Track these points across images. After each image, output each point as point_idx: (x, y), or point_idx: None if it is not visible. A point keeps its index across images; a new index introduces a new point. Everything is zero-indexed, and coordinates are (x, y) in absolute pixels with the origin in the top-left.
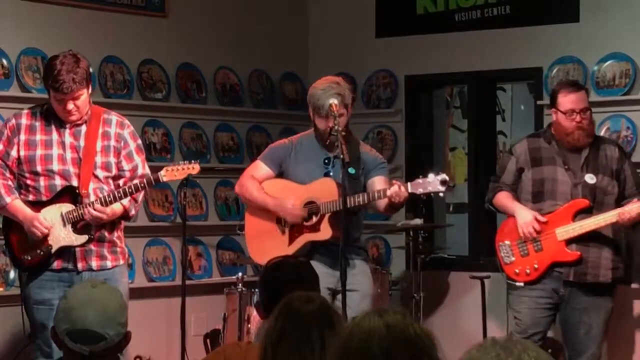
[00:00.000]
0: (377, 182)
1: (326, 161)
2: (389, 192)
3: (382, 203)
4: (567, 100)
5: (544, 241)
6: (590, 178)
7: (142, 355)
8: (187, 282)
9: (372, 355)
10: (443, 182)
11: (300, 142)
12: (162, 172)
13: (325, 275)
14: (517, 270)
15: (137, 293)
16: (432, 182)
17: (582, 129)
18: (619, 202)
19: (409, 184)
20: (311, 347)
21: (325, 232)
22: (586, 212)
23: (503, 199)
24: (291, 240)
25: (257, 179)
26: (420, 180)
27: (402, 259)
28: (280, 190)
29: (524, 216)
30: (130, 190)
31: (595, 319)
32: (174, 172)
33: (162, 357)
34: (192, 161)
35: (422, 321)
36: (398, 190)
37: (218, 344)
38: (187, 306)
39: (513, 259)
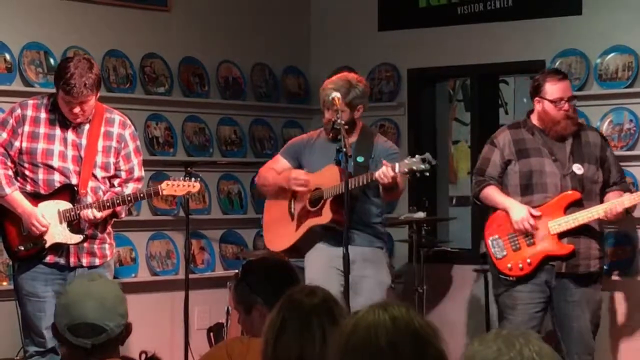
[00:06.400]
0: None
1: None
2: (376, 174)
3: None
4: (556, 89)
5: (536, 235)
6: (577, 168)
7: (147, 350)
8: (191, 275)
9: (379, 348)
10: (423, 160)
11: (318, 136)
12: (163, 186)
13: (336, 259)
14: (509, 265)
15: (140, 287)
16: (415, 161)
17: (570, 117)
18: (604, 189)
19: (396, 164)
20: (312, 339)
21: (325, 216)
22: (577, 204)
23: (492, 193)
24: (298, 225)
25: (276, 171)
26: (406, 161)
27: (405, 252)
28: None
29: (519, 212)
30: (129, 199)
31: (588, 310)
32: (174, 188)
33: (166, 351)
34: (193, 179)
35: (425, 314)
36: (385, 170)
37: (221, 337)
38: (191, 300)
39: (505, 253)
